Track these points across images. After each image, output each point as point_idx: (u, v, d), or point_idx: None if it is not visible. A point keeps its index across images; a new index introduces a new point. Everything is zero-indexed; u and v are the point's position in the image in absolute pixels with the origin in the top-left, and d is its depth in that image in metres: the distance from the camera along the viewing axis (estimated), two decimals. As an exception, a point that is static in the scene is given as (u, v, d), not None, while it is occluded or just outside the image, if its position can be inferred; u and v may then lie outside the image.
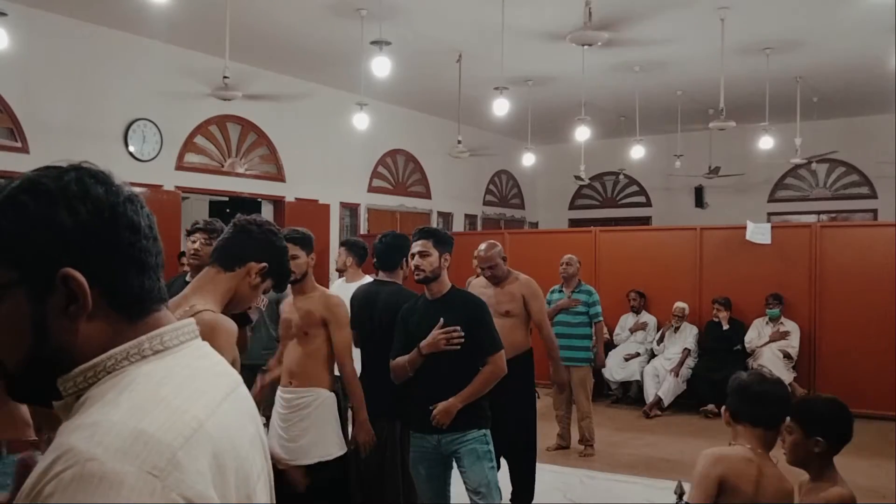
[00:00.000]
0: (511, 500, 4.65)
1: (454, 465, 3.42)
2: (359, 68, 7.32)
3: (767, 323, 7.66)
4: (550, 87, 9.48)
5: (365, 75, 7.28)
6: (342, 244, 5.51)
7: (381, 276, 3.98)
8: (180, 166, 8.01)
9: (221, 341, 2.02)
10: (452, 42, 7.85)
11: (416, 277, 3.41)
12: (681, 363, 7.69)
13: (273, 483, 1.04)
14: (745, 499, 2.28)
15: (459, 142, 8.81)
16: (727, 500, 2.28)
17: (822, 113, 10.68)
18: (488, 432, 3.38)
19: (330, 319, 3.43)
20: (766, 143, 9.62)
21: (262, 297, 5.11)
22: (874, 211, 11.62)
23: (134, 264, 0.87)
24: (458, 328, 3.26)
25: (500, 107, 7.97)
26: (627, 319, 8.37)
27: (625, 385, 8.21)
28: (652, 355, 8.06)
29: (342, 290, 4.63)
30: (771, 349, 7.50)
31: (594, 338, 6.46)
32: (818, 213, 12.06)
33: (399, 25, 7.04)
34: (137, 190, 0.90)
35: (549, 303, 5.91)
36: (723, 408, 2.50)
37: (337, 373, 3.55)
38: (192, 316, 2.06)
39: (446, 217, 12.06)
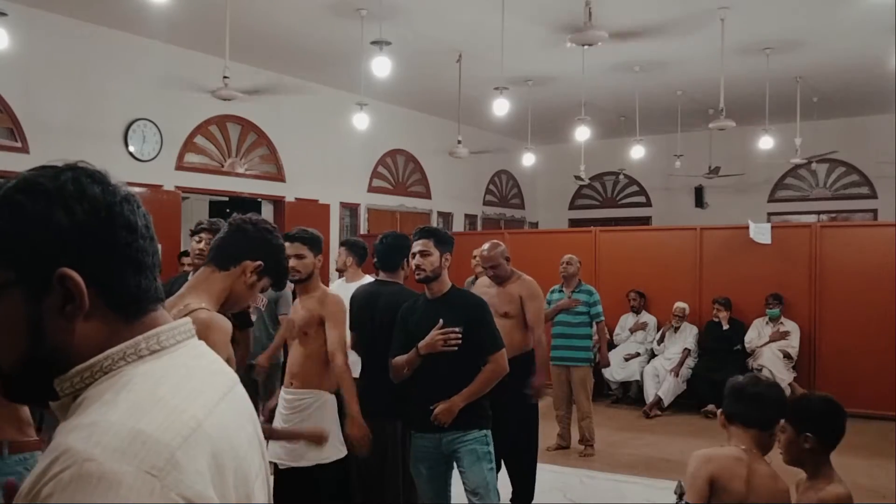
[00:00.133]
0: (511, 499, 4.64)
1: (455, 464, 3.42)
2: (359, 68, 7.32)
3: (767, 323, 7.66)
4: (550, 87, 9.48)
5: (365, 75, 7.28)
6: (342, 244, 5.51)
7: (382, 276, 3.98)
8: (180, 166, 8.01)
9: (215, 339, 2.02)
10: (452, 42, 7.85)
11: (416, 277, 3.41)
12: (681, 363, 7.69)
13: (271, 483, 1.04)
14: (737, 498, 2.30)
15: (459, 142, 8.81)
16: (718, 499, 2.30)
17: (822, 113, 10.67)
18: (489, 433, 3.38)
19: (326, 316, 3.43)
20: (766, 143, 9.61)
21: (261, 297, 5.11)
22: (874, 211, 11.61)
23: (131, 264, 0.87)
24: (457, 330, 3.26)
25: (500, 107, 7.98)
26: (627, 319, 8.37)
27: (625, 385, 8.21)
28: (652, 355, 8.06)
29: (342, 290, 4.63)
30: (771, 349, 7.50)
31: (596, 337, 6.47)
32: (818, 213, 12.05)
33: (399, 25, 7.04)
34: (137, 190, 0.90)
35: (549, 303, 5.90)
36: (718, 411, 2.51)
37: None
38: (187, 314, 2.07)
39: (446, 217, 12.05)
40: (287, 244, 3.51)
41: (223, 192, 8.66)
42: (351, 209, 10.33)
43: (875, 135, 11.16)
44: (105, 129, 7.30)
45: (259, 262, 2.27)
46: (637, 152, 10.03)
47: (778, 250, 7.68)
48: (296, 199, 9.31)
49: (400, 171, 11.23)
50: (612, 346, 8.15)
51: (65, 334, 0.84)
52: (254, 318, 4.65)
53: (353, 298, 3.95)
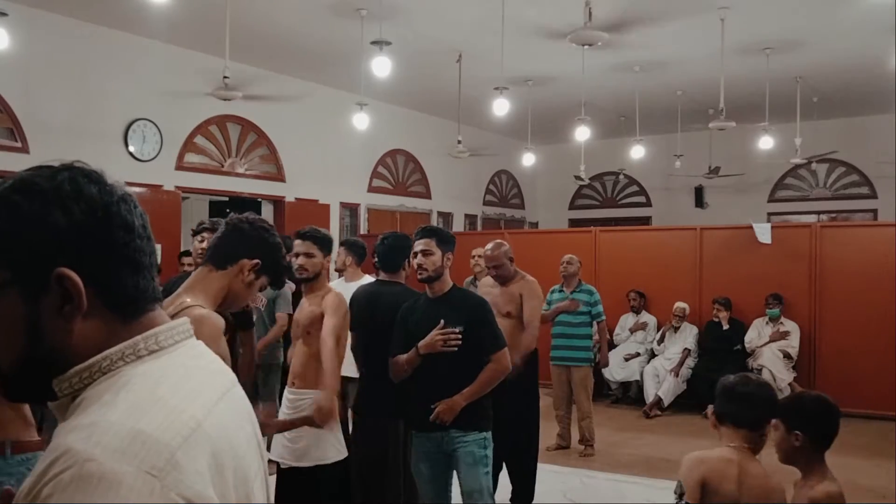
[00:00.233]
0: (511, 499, 4.65)
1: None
2: (359, 68, 7.32)
3: (767, 323, 7.66)
4: (550, 87, 9.48)
5: (365, 75, 7.28)
6: (342, 244, 5.52)
7: (383, 276, 3.98)
8: (180, 166, 8.01)
9: (206, 335, 2.02)
10: (452, 42, 7.85)
11: (418, 276, 3.41)
12: (681, 363, 7.69)
13: (270, 483, 1.04)
14: (729, 499, 2.30)
15: (459, 142, 8.81)
16: (710, 500, 2.31)
17: (822, 113, 10.67)
18: (489, 436, 3.37)
19: (325, 309, 3.41)
20: (766, 143, 9.61)
21: (261, 298, 5.11)
22: (874, 211, 11.61)
23: (128, 264, 0.87)
24: (457, 330, 3.26)
25: (500, 107, 7.98)
26: (627, 319, 8.37)
27: (625, 385, 8.21)
28: (652, 355, 8.06)
29: (342, 289, 4.61)
30: (771, 349, 7.50)
31: (596, 337, 6.47)
32: (818, 213, 12.05)
33: (399, 25, 7.04)
34: (137, 190, 0.90)
35: (549, 303, 5.90)
36: (710, 411, 2.51)
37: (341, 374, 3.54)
38: (182, 311, 2.07)
39: (446, 217, 12.05)
40: (297, 241, 3.51)
41: (223, 192, 8.66)
42: (351, 209, 10.33)
43: (875, 135, 11.16)
44: (105, 129, 7.30)
45: (256, 261, 2.27)
46: (637, 152, 10.04)
47: (778, 250, 7.69)
48: (296, 199, 9.31)
49: (400, 171, 11.23)
50: (612, 346, 8.14)
51: (63, 334, 0.83)
52: (254, 318, 4.65)
53: (353, 298, 3.94)
